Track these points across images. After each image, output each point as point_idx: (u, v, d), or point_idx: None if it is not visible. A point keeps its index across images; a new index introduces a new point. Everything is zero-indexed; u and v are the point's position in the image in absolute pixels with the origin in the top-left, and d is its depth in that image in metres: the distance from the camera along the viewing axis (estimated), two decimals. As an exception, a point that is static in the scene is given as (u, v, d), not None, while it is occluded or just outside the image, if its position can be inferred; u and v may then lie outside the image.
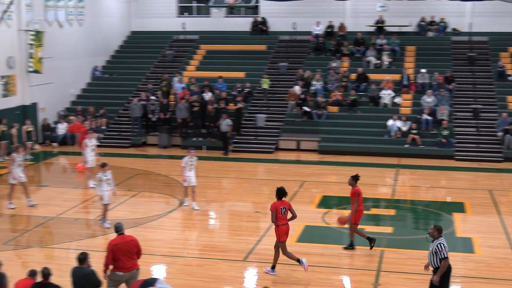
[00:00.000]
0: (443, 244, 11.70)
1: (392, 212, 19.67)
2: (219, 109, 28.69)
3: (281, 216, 14.39)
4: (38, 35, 28.55)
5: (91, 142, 22.06)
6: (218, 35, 36.78)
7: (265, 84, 30.87)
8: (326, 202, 20.81)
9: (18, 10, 27.82)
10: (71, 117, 30.71)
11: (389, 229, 17.83)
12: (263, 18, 36.63)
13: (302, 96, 30.06)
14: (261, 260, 15.30)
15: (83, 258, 11.29)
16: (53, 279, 10.75)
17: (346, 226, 16.06)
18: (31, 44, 28.52)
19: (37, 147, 29.05)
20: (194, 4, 38.47)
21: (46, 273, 10.64)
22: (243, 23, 37.18)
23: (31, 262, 15.24)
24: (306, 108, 29.34)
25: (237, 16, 38.00)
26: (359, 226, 15.96)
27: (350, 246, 16.02)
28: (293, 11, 35.81)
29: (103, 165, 17.72)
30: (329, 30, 35.27)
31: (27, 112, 28.82)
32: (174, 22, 37.63)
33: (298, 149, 28.64)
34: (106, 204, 17.79)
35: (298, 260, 14.34)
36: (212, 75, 32.32)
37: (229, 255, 15.61)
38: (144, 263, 15.23)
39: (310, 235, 17.42)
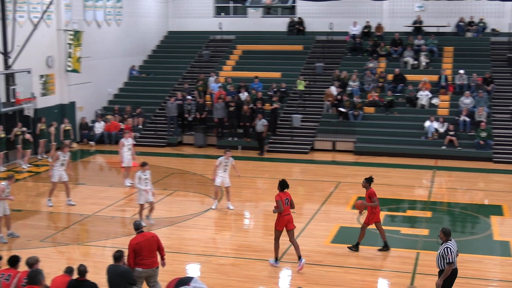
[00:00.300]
0: (450, 248, 11.70)
1: (428, 214, 19.47)
2: (254, 109, 28.71)
3: (284, 206, 14.91)
4: (76, 34, 28.88)
5: (127, 141, 22.23)
6: (254, 35, 36.82)
7: (301, 85, 30.80)
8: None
9: (57, 10, 28.18)
10: (108, 116, 31.01)
11: (425, 231, 17.65)
12: (299, 18, 36.56)
13: (338, 96, 29.93)
14: (295, 260, 15.25)
15: (119, 256, 11.40)
16: (89, 276, 10.85)
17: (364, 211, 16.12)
18: (69, 44, 28.86)
19: (75, 146, 29.40)
20: (231, 4, 38.55)
21: (82, 270, 10.74)
22: (279, 23, 37.15)
23: (68, 259, 15.45)
24: (342, 109, 29.21)
25: (274, 16, 37.99)
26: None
27: (385, 248, 15.91)
28: (330, 11, 35.67)
29: (143, 164, 17.70)
30: (366, 30, 35.06)
31: (65, 110, 29.17)
32: (211, 22, 37.77)
33: (334, 150, 28.51)
34: (142, 204, 17.78)
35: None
36: (248, 75, 32.35)
37: (263, 255, 15.60)
38: (179, 261, 15.36)
39: (345, 236, 17.31)
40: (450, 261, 11.65)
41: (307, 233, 17.38)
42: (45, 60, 27.95)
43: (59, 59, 28.82)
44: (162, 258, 12.54)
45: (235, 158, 26.47)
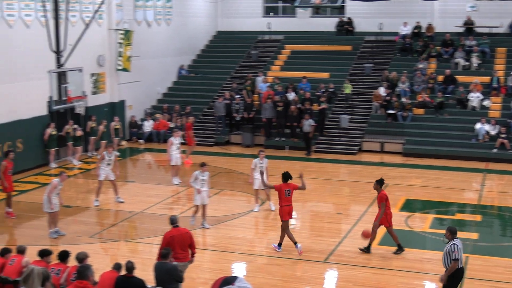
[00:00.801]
0: (457, 245, 11.80)
1: (478, 218, 19.16)
2: (302, 110, 28.65)
3: (285, 197, 15.75)
4: (127, 34, 29.25)
5: (176, 140, 22.40)
6: (303, 35, 36.75)
7: (348, 89, 30.54)
8: (410, 206, 20.46)
9: (108, 10, 28.57)
10: (157, 115, 31.33)
11: (474, 235, 17.37)
12: (349, 18, 36.36)
13: (387, 97, 29.67)
14: (342, 262, 15.21)
15: (166, 253, 11.51)
16: (137, 273, 10.98)
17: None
18: (120, 43, 29.24)
19: (124, 144, 29.79)
20: (280, 4, 38.57)
21: (130, 266, 10.87)
22: (328, 24, 37.01)
23: (116, 255, 15.64)
24: (390, 111, 28.94)
25: (323, 16, 37.85)
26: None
27: (399, 250, 15.75)
28: (380, 11, 35.38)
29: (202, 165, 17.54)
30: (416, 30, 34.67)
31: (115, 109, 29.57)
32: (260, 22, 37.83)
33: (382, 151, 28.28)
34: (197, 205, 17.65)
35: (295, 243, 15.44)
36: (296, 75, 32.31)
37: (310, 256, 15.57)
38: (225, 260, 15.45)
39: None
40: (456, 257, 11.72)
41: (353, 235, 17.28)
42: (96, 59, 28.37)
43: (110, 58, 29.23)
44: (192, 255, 12.80)
45: (282, 158, 26.60)
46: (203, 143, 29.64)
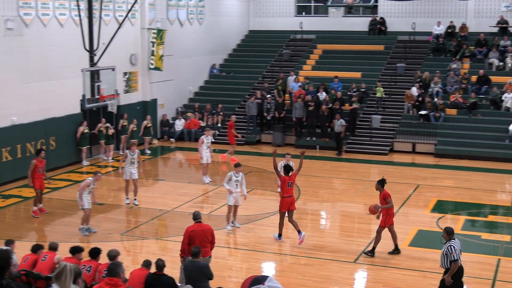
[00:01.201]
0: (454, 246, 11.79)
1: (510, 220, 18.91)
2: (333, 109, 28.54)
3: (287, 188, 16.27)
4: (159, 33, 29.42)
5: (207, 139, 22.46)
6: (335, 35, 36.61)
7: (379, 92, 30.24)
8: (441, 207, 20.28)
9: (141, 9, 28.77)
10: (189, 114, 31.46)
11: (506, 238, 17.16)
12: (381, 18, 36.14)
13: (420, 98, 29.43)
14: (372, 262, 15.13)
15: (197, 252, 11.55)
16: (166, 271, 11.04)
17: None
18: (153, 42, 29.42)
19: (156, 142, 29.97)
20: (312, 4, 38.48)
21: (160, 264, 10.94)
22: (360, 23, 36.83)
23: (146, 253, 15.74)
24: (422, 112, 28.70)
25: (355, 16, 37.67)
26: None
27: (396, 251, 15.63)
28: (413, 11, 35.13)
29: (236, 165, 17.38)
30: (450, 30, 34.32)
31: (147, 107, 29.77)
32: (292, 21, 37.77)
33: (414, 152, 28.04)
34: (230, 206, 17.39)
35: (299, 232, 16.13)
36: (328, 75, 32.20)
37: (339, 256, 15.52)
38: (255, 260, 15.47)
39: (423, 240, 17.03)
40: (455, 258, 11.74)
41: (384, 235, 17.12)
42: (129, 58, 28.60)
43: (142, 57, 29.44)
44: (211, 250, 13.00)
45: (313, 158, 26.54)
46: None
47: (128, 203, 19.88)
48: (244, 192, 17.45)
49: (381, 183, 15.65)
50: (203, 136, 22.62)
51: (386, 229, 15.53)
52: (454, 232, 12.14)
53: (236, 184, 17.17)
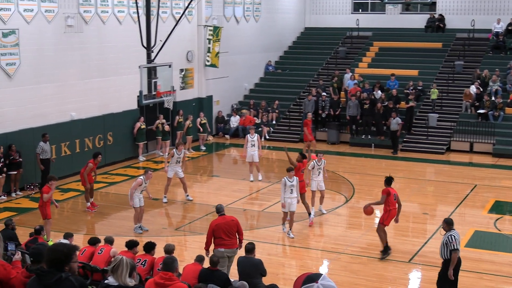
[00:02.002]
0: (454, 236, 11.94)
1: None
2: (388, 108, 28.22)
3: (301, 173, 17.55)
4: (216, 30, 29.58)
5: (252, 137, 22.36)
6: (392, 32, 36.22)
7: (434, 94, 29.64)
8: (499, 208, 19.85)
9: (198, 6, 28.98)
10: (244, 111, 31.56)
11: None
12: (440, 15, 35.57)
13: (478, 96, 28.86)
14: (427, 263, 14.92)
15: (252, 248, 11.59)
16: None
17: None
18: (209, 39, 29.60)
19: (211, 139, 30.15)
20: (369, 1, 38.15)
21: (215, 260, 11.00)
22: (418, 20, 36.33)
23: (200, 248, 15.81)
24: (481, 111, 28.13)
25: (413, 13, 37.19)
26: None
27: (385, 252, 15.23)
28: (472, 7, 34.50)
29: (289, 170, 16.74)
30: (510, 28, 33.54)
31: (203, 104, 29.97)
32: (348, 18, 37.53)
33: (471, 151, 27.52)
34: (286, 212, 16.72)
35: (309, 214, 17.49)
36: (384, 72, 31.87)
37: (394, 256, 15.34)
38: (309, 257, 15.41)
39: (480, 241, 16.73)
40: (455, 247, 11.86)
41: (440, 235, 16.89)
42: (185, 55, 28.84)
43: (199, 54, 29.65)
44: (240, 242, 13.11)
45: (368, 156, 26.33)
46: (288, 139, 29.65)
47: (166, 202, 19.73)
48: (298, 196, 17.22)
49: (387, 181, 15.44)
50: (248, 135, 22.62)
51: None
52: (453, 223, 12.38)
53: (292, 189, 16.51)
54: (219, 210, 13.36)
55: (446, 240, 11.98)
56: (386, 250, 15.23)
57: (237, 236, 13.10)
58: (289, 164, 17.56)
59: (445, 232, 12.18)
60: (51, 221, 16.24)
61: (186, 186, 20.11)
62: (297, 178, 16.84)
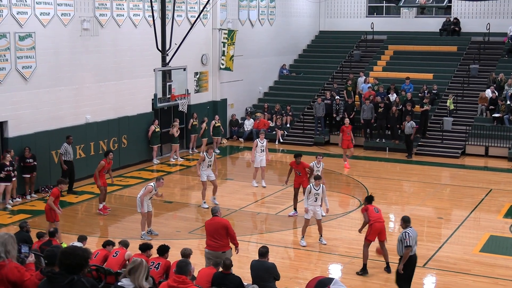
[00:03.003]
0: (408, 233, 12.35)
1: None
2: (403, 111, 28.11)
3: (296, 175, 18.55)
4: (230, 34, 29.62)
5: (261, 142, 22.16)
6: (407, 36, 36.09)
7: (450, 104, 29.23)
8: (515, 213, 19.71)
9: (213, 10, 29.02)
10: (258, 114, 31.56)
11: None
12: (455, 18, 35.41)
13: (494, 100, 28.68)
14: (442, 267, 14.84)
15: (265, 252, 11.56)
16: (233, 270, 11.09)
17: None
18: (224, 43, 29.64)
19: (225, 142, 30.17)
20: (384, 4, 38.06)
21: (227, 264, 10.98)
22: (433, 23, 36.18)
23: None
24: (496, 115, 27.95)
25: (428, 16, 37.08)
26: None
27: (363, 271, 14.56)
28: (488, 11, 34.33)
29: (316, 178, 16.48)
30: (526, 31, 33.38)
31: (217, 107, 30.00)
32: (363, 22, 37.45)
33: (486, 155, 27.35)
34: (308, 220, 16.31)
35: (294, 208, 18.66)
36: (399, 76, 31.77)
37: (408, 260, 15.23)
38: (322, 261, 15.37)
39: (495, 245, 16.62)
40: (408, 244, 12.24)
41: (454, 240, 16.84)
42: (200, 58, 28.89)
43: (213, 57, 29.69)
44: (235, 246, 13.20)
45: (382, 160, 26.24)
46: (302, 143, 29.63)
47: (206, 207, 19.33)
48: (326, 204, 17.14)
49: (366, 199, 15.15)
50: (257, 140, 22.47)
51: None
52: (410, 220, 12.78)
53: (316, 198, 16.20)
54: (212, 211, 13.54)
55: (401, 237, 12.41)
56: (364, 269, 14.57)
57: (229, 240, 13.07)
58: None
59: (402, 229, 12.62)
60: (59, 223, 16.16)
61: (216, 189, 19.89)
62: (323, 186, 16.53)
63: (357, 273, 14.45)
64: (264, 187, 22.05)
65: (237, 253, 13.35)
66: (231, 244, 13.22)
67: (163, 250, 11.79)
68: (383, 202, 20.39)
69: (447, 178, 24.76)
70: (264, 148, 22.16)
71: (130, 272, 7.75)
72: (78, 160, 22.38)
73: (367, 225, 14.55)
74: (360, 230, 15.12)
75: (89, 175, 22.17)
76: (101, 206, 19.14)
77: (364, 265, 14.54)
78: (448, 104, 29.36)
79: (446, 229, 17.95)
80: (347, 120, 26.30)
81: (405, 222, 12.68)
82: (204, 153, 19.87)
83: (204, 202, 19.78)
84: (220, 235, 12.96)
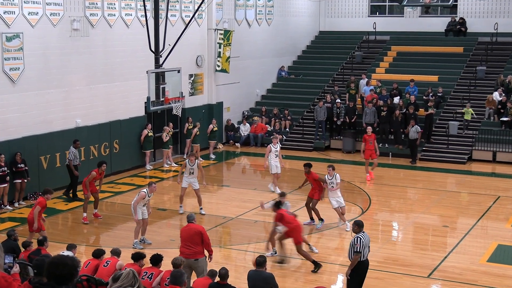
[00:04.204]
0: (360, 238, 12.47)
1: None
2: (407, 115, 28.16)
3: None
4: (227, 34, 29.66)
5: (275, 147, 22.24)
6: (411, 36, 36.18)
7: (467, 115, 28.85)
8: (524, 220, 19.76)
9: (208, 9, 29.06)
10: (255, 118, 31.58)
11: None
12: (461, 18, 35.51)
13: (502, 103, 28.73)
14: (447, 278, 14.86)
15: (263, 261, 11.58)
16: (230, 281, 11.10)
17: None
18: (219, 43, 29.68)
19: (220, 147, 30.19)
20: (387, 3, 38.17)
21: (223, 273, 11.00)
22: (438, 23, 36.28)
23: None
24: (504, 118, 28.01)
25: (432, 16, 37.19)
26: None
27: (316, 267, 15.33)
28: (496, 10, 34.45)
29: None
30: (535, 31, 33.50)
31: (213, 111, 30.02)
32: (365, 22, 37.55)
33: (494, 161, 27.41)
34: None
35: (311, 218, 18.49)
36: (402, 78, 31.85)
37: (412, 270, 15.30)
38: (321, 271, 15.36)
39: (504, 255, 16.66)
40: (357, 250, 12.42)
41: (461, 249, 16.87)
42: (194, 60, 28.93)
43: (209, 58, 29.72)
44: (209, 253, 13.31)
45: (385, 166, 26.27)
46: (302, 148, 29.67)
47: (181, 213, 19.62)
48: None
49: (275, 204, 15.91)
50: (270, 145, 22.43)
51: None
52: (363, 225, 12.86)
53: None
54: (188, 218, 13.72)
55: (352, 242, 12.57)
56: (316, 264, 15.34)
57: (203, 248, 13.20)
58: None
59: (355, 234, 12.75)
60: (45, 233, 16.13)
61: (201, 199, 19.85)
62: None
63: (313, 271, 15.17)
64: (272, 190, 22.07)
65: (210, 261, 13.38)
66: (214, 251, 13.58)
67: (157, 260, 11.80)
68: (385, 210, 20.48)
69: (453, 185, 24.81)
70: (278, 154, 22.18)
71: (114, 279, 7.75)
72: (68, 166, 22.36)
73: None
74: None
75: (78, 182, 22.16)
76: (85, 214, 19.03)
77: (313, 261, 15.31)
78: (464, 113, 28.80)
79: (452, 238, 17.98)
80: (369, 129, 24.95)
81: (359, 226, 12.76)
82: (186, 160, 19.82)
83: (181, 207, 19.87)
84: (194, 242, 13.08)
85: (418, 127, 27.33)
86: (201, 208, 19.88)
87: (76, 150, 21.47)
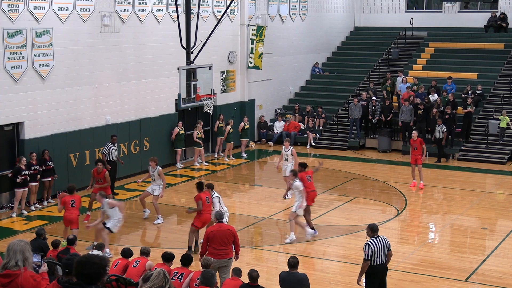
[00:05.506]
0: (369, 244, 12.11)
1: None
2: (445, 113, 27.87)
3: (308, 183, 17.50)
4: (259, 30, 29.65)
5: (286, 150, 21.54)
6: (449, 32, 35.86)
7: (504, 122, 27.99)
8: None
9: (241, 5, 29.07)
10: (288, 116, 31.52)
11: None
12: (502, 13, 35.10)
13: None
14: (485, 282, 14.71)
15: (295, 262, 11.55)
16: (260, 282, 11.10)
17: None
18: (252, 39, 29.69)
19: (253, 145, 30.20)
20: (425, -2, 37.91)
21: (254, 276, 10.99)
22: (478, 19, 35.89)
23: (240, 262, 15.86)
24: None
25: (472, 11, 36.79)
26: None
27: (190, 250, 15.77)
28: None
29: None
30: None
31: (245, 108, 30.04)
32: (402, 17, 37.28)
33: (536, 161, 27.08)
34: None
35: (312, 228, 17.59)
36: (440, 75, 31.58)
37: (449, 273, 15.17)
38: (355, 273, 15.27)
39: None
40: (365, 257, 12.10)
41: (500, 252, 16.68)
42: (226, 56, 28.98)
43: (241, 55, 29.74)
44: (237, 253, 13.43)
45: (423, 165, 26.03)
46: (336, 146, 29.56)
47: (145, 218, 19.28)
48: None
49: (197, 185, 16.42)
50: (283, 147, 21.86)
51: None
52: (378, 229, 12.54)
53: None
54: (218, 217, 13.61)
55: (363, 247, 12.26)
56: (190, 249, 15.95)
57: (233, 247, 13.35)
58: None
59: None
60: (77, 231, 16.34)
61: (158, 208, 19.01)
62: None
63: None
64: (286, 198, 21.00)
65: (236, 260, 13.52)
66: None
67: (187, 260, 11.86)
68: (422, 211, 20.33)
69: (492, 186, 24.54)
70: (288, 157, 21.45)
71: (144, 279, 7.79)
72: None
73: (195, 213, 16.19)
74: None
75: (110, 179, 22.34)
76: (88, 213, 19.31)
77: (189, 247, 15.99)
78: (500, 119, 28.01)
79: (491, 241, 17.78)
80: (414, 133, 23.78)
81: (373, 231, 12.42)
82: (149, 166, 19.37)
83: (144, 211, 19.50)
84: (227, 242, 13.21)
85: (444, 126, 26.94)
86: (144, 211, 19.46)
87: (112, 145, 21.74)
